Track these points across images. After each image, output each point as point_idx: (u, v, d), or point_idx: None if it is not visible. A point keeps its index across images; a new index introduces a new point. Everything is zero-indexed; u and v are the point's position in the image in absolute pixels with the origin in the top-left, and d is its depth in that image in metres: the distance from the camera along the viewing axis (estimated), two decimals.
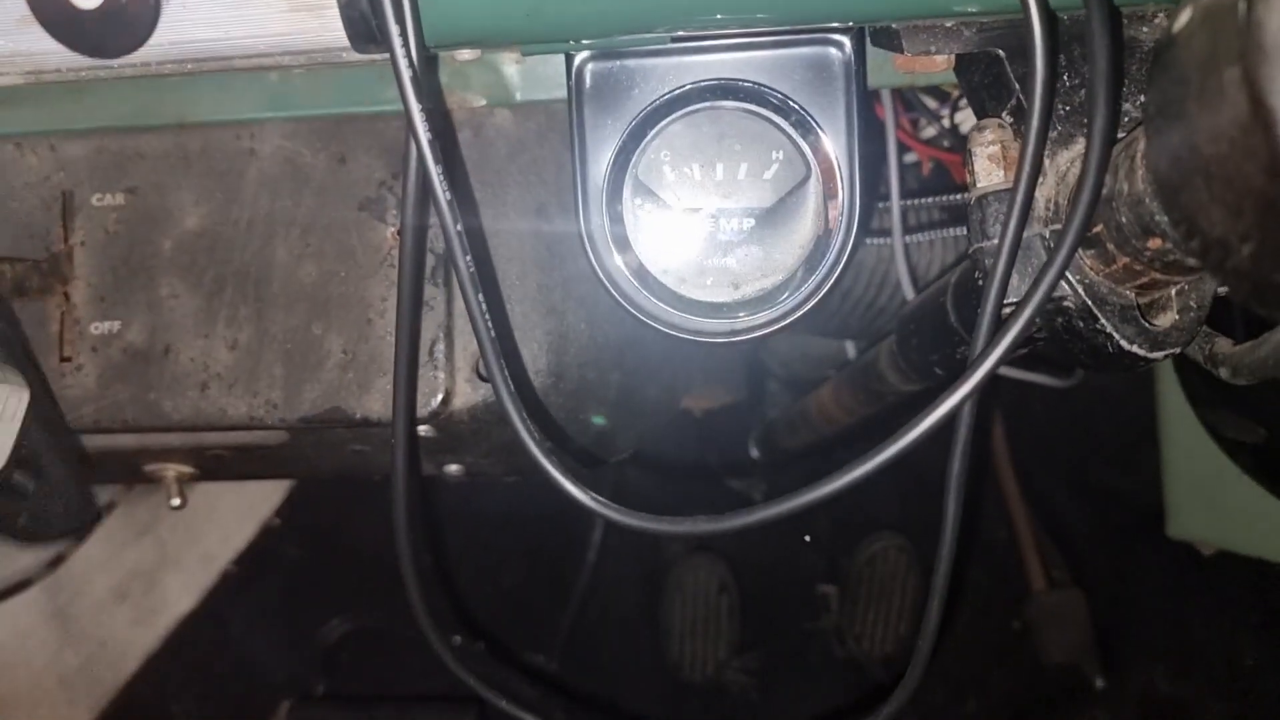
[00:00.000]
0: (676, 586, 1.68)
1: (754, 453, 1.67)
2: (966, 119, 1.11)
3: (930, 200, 1.05)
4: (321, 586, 1.69)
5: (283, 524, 1.71)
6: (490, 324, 0.52)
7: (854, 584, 1.65)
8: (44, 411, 0.61)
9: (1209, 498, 1.34)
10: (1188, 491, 1.37)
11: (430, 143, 0.50)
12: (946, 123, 1.11)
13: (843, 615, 1.67)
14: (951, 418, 0.51)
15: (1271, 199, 0.37)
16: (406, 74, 0.49)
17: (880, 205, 1.03)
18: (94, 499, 0.65)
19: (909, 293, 1.04)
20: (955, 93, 1.10)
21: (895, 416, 1.12)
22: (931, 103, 1.11)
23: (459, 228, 0.52)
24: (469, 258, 0.52)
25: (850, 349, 1.39)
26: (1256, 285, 0.42)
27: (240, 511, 1.68)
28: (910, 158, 1.16)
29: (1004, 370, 1.34)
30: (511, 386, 0.52)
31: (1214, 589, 1.49)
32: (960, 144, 1.12)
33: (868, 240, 1.07)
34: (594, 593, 1.70)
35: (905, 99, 1.10)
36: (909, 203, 1.04)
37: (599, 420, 0.83)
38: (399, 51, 0.50)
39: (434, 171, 0.50)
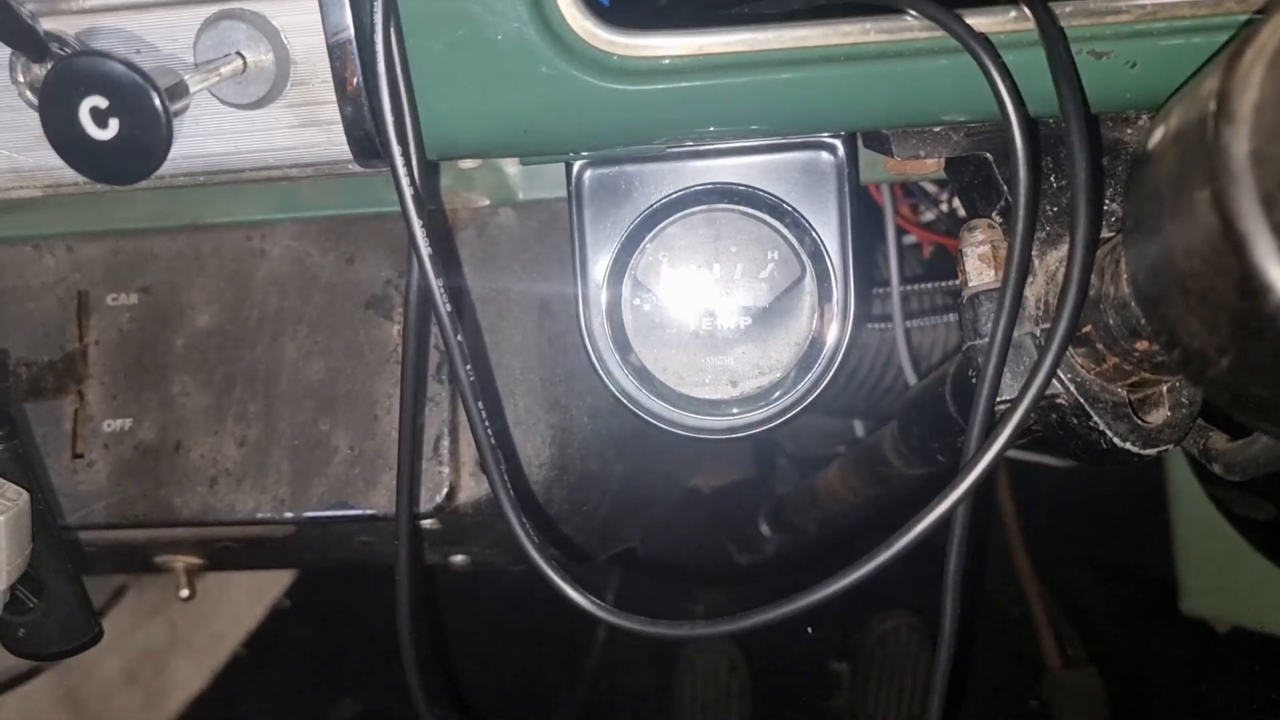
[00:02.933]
0: (687, 667, 1.66)
1: (764, 529, 1.66)
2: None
3: (931, 285, 1.06)
4: (331, 667, 1.68)
5: (293, 605, 1.71)
6: (490, 430, 0.54)
7: (865, 662, 1.64)
8: (50, 530, 0.62)
9: (1221, 574, 1.33)
10: (1200, 568, 1.36)
11: (430, 258, 0.51)
12: (946, 207, 1.12)
13: (854, 694, 1.65)
14: (946, 519, 0.51)
15: (1245, 317, 0.38)
16: (408, 191, 0.51)
17: (881, 290, 1.05)
18: (95, 620, 0.65)
19: (910, 377, 1.05)
20: None
21: (903, 495, 1.12)
22: (931, 188, 1.13)
23: (459, 338, 0.53)
24: (469, 367, 0.54)
25: (858, 427, 1.40)
26: (1235, 396, 0.43)
27: (250, 593, 1.68)
28: (911, 239, 1.17)
29: (1010, 453, 1.34)
30: (510, 491, 0.53)
31: (1230, 665, 1.47)
32: (958, 228, 1.13)
33: (870, 325, 1.08)
34: (604, 673, 1.69)
35: (905, 184, 1.11)
36: (910, 288, 1.05)
37: None
38: (400, 170, 0.51)
39: (435, 285, 0.52)
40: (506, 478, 0.53)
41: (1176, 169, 0.42)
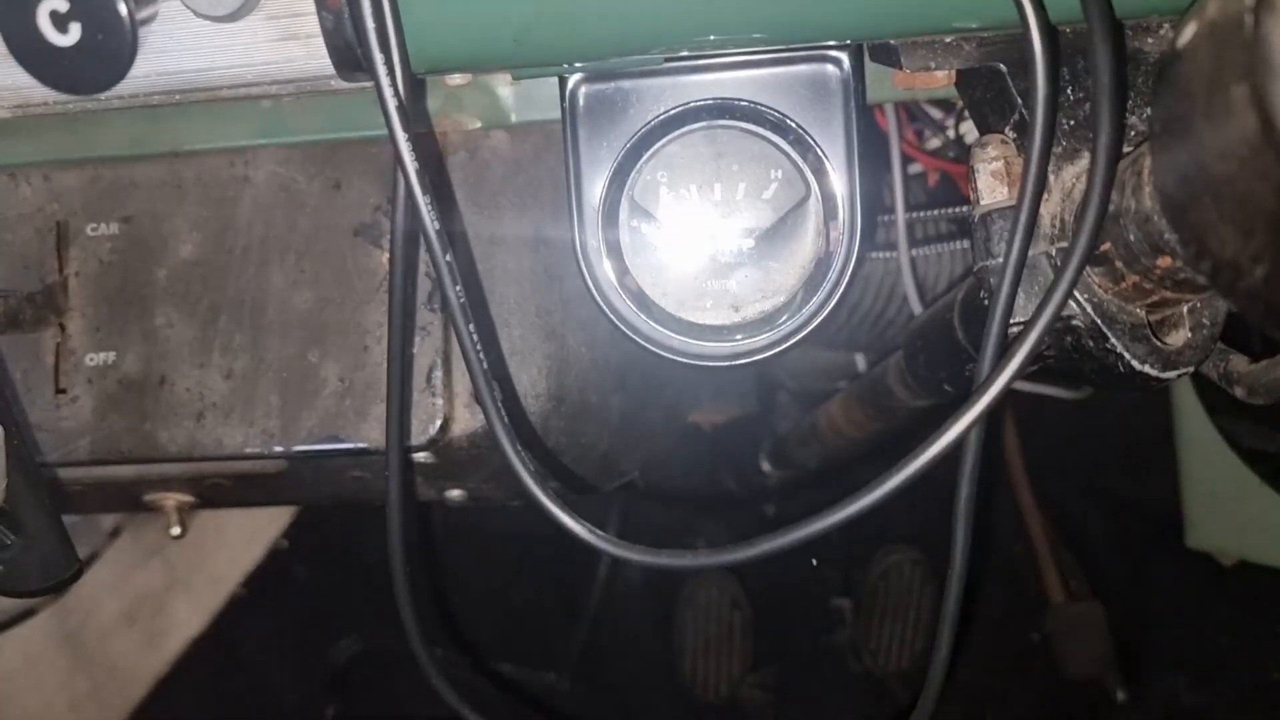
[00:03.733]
0: (688, 602, 1.66)
1: (765, 466, 1.65)
2: (972, 129, 1.10)
3: (937, 213, 1.03)
4: (331, 608, 1.68)
5: (291, 545, 1.70)
6: (483, 355, 0.51)
7: (869, 598, 1.63)
8: (24, 461, 0.60)
9: (1228, 508, 1.32)
10: (1206, 502, 1.35)
11: (418, 173, 0.49)
12: (952, 133, 1.09)
13: (858, 630, 1.65)
14: (958, 443, 0.49)
15: None
16: (392, 103, 0.48)
17: (886, 218, 1.02)
18: (75, 556, 0.63)
19: (916, 307, 1.03)
20: (960, 103, 1.09)
21: (906, 429, 1.10)
22: (936, 113, 1.10)
23: (448, 258, 0.51)
24: (459, 288, 0.51)
25: (860, 361, 1.38)
26: (1270, 307, 0.40)
27: (248, 533, 1.68)
28: (916, 168, 1.14)
29: (1016, 385, 1.32)
30: (506, 419, 0.51)
31: (1235, 599, 1.47)
32: (966, 154, 1.11)
33: (874, 254, 1.05)
34: (605, 610, 1.69)
35: (909, 110, 1.08)
36: (915, 215, 1.03)
37: None
38: (384, 81, 0.49)
39: (422, 202, 0.49)
40: (502, 406, 0.51)
41: (1211, 65, 0.39)
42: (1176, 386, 1.33)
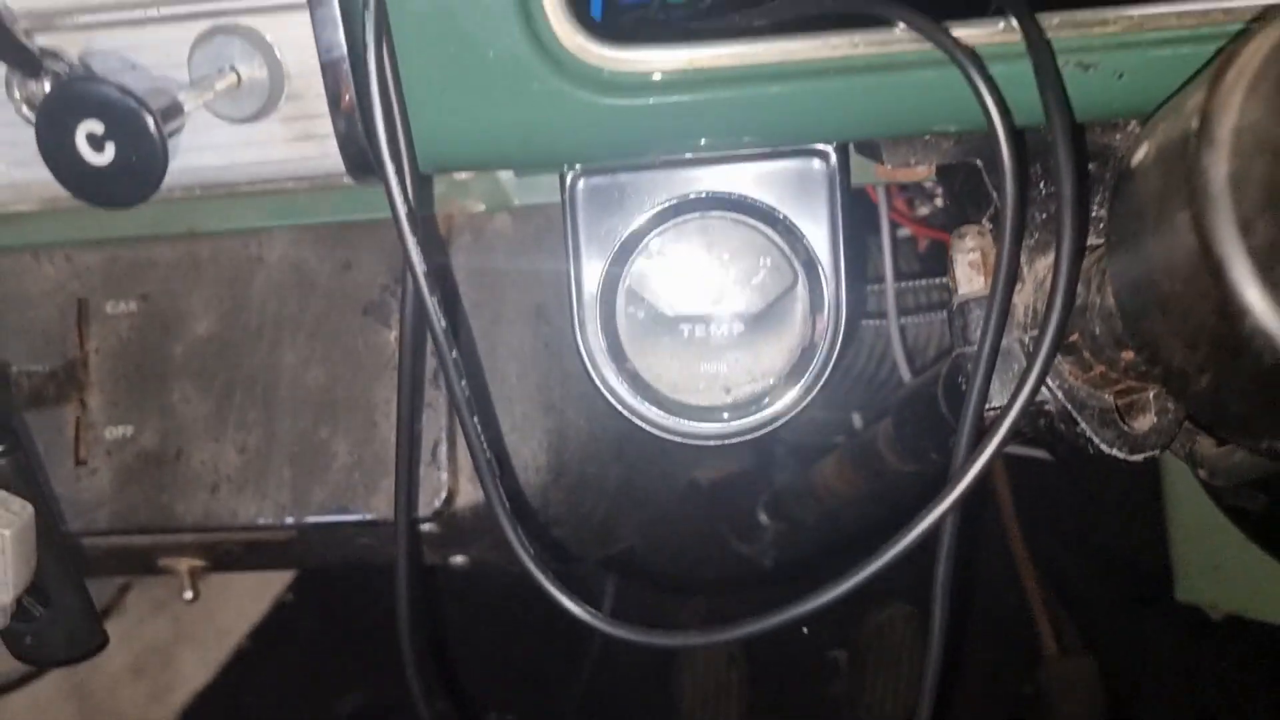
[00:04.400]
0: (687, 662, 1.68)
1: (763, 518, 1.67)
2: None
3: (925, 282, 1.06)
4: (336, 661, 1.69)
5: (296, 599, 1.72)
6: (486, 446, 0.54)
7: (863, 651, 1.65)
8: (51, 534, 0.63)
9: (1216, 562, 1.34)
10: (1194, 556, 1.37)
11: (425, 275, 0.52)
12: (940, 201, 1.13)
13: (853, 681, 1.66)
14: (935, 529, 0.52)
15: (1223, 337, 0.39)
16: (402, 210, 0.52)
17: (876, 287, 1.05)
18: (100, 627, 0.66)
19: (905, 374, 1.06)
20: None
21: (899, 486, 1.13)
22: (927, 182, 1.13)
23: (455, 355, 0.54)
24: (464, 382, 0.54)
25: (856, 419, 1.41)
26: (1216, 412, 0.43)
27: (254, 588, 1.70)
28: (905, 232, 1.17)
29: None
30: (508, 506, 0.54)
31: (1225, 653, 1.48)
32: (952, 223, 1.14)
33: (865, 321, 1.08)
34: (603, 668, 1.70)
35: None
36: (904, 285, 1.06)
37: None
38: (394, 187, 0.52)
39: (430, 302, 0.52)
40: (502, 490, 0.54)
41: (1159, 188, 0.43)
42: None
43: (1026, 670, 1.60)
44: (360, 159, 0.57)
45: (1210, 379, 0.41)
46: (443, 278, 0.73)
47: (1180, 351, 0.42)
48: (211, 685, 1.65)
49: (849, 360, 1.16)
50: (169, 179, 0.60)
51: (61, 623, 0.64)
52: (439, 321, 0.53)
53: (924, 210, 1.14)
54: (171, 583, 1.56)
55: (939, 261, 1.15)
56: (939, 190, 1.14)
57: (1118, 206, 0.47)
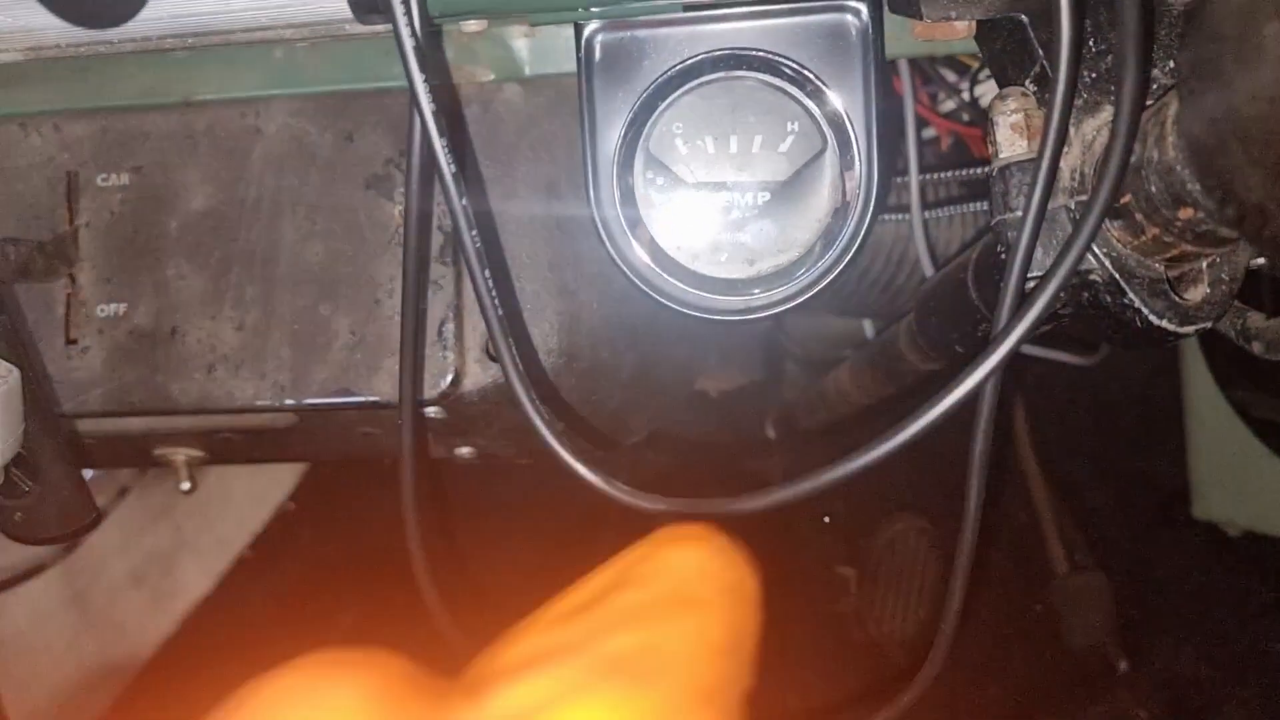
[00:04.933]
0: None
1: (771, 433, 1.65)
2: (985, 92, 1.09)
3: (949, 174, 1.03)
4: (338, 571, 1.68)
5: (298, 509, 1.71)
6: (498, 301, 0.51)
7: (873, 566, 1.63)
8: (42, 408, 0.60)
9: (1236, 478, 1.32)
10: (1214, 472, 1.35)
11: (434, 115, 0.48)
12: (966, 96, 1.08)
13: (862, 598, 1.65)
14: (974, 396, 0.49)
15: None
16: (409, 43, 0.48)
17: (898, 180, 1.01)
18: (93, 503, 0.63)
19: (928, 269, 1.02)
20: (975, 65, 1.08)
21: (914, 397, 1.10)
22: (950, 76, 1.09)
23: (464, 202, 0.50)
24: (475, 233, 0.51)
25: (868, 328, 1.38)
26: None
27: (255, 496, 1.68)
28: (928, 133, 1.13)
29: (1025, 348, 1.32)
30: (520, 365, 0.51)
31: (1240, 570, 1.47)
32: (980, 118, 1.10)
33: (885, 216, 1.04)
34: None
35: (923, 72, 1.07)
36: (927, 177, 1.02)
37: None
38: (401, 21, 0.48)
39: (439, 145, 0.49)
40: (514, 349, 0.51)
41: (1243, 3, 0.39)
42: (1186, 357, 1.32)
43: (1037, 589, 1.59)
44: None
45: None
46: (454, 132, 0.69)
47: (1260, 185, 0.39)
48: (213, 594, 1.64)
49: (865, 262, 1.13)
50: (159, 24, 0.56)
51: (52, 498, 0.61)
52: (449, 166, 0.49)
53: (949, 105, 1.09)
54: (170, 491, 1.54)
55: (962, 161, 1.11)
56: (963, 85, 1.10)
57: (1192, 35, 0.44)
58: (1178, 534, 1.49)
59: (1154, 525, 1.57)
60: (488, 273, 0.51)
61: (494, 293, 0.51)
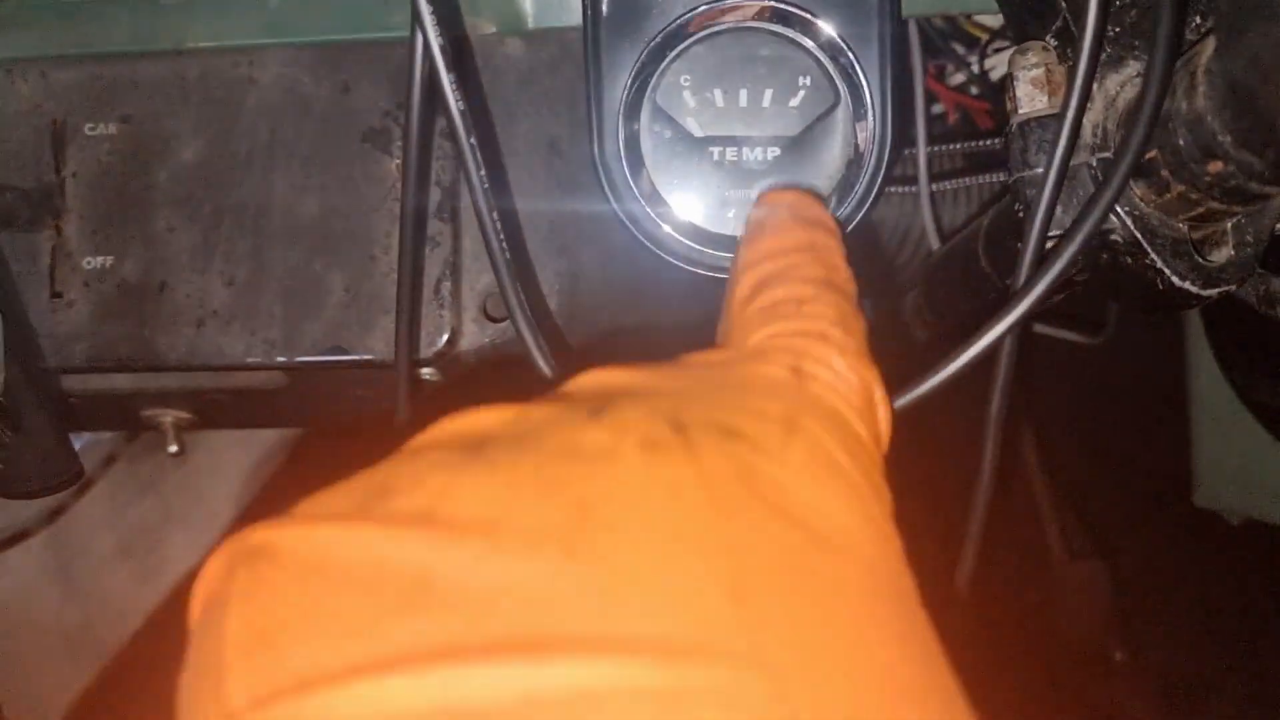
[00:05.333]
0: None
1: None
2: (994, 65, 1.07)
3: (957, 146, 1.01)
4: None
5: (288, 480, 1.68)
6: (505, 245, 0.49)
7: None
8: (24, 358, 0.58)
9: (1239, 465, 1.30)
10: (1217, 459, 1.33)
11: (442, 48, 0.46)
12: (975, 69, 1.06)
13: None
14: (994, 349, 0.47)
15: None
16: None
17: (905, 152, 1.00)
18: (75, 457, 0.61)
19: (934, 242, 1.00)
20: (984, 38, 1.06)
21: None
22: (959, 48, 1.07)
23: (473, 140, 0.48)
24: (483, 173, 0.49)
25: (868, 309, 1.36)
26: None
27: (244, 469, 1.66)
28: (935, 109, 1.12)
29: (1033, 329, 1.30)
30: (528, 310, 0.49)
31: (1240, 559, 1.45)
32: (988, 91, 1.08)
33: (892, 189, 1.03)
34: None
35: (932, 44, 1.06)
36: (935, 149, 1.00)
37: None
38: None
39: (446, 79, 0.47)
40: (523, 296, 0.48)
41: None
42: (1191, 341, 1.30)
43: (1033, 576, 1.58)
44: None
45: None
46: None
47: None
48: (199, 568, 1.62)
49: (870, 238, 1.11)
50: None
51: (34, 449, 0.59)
52: (456, 103, 0.47)
53: (958, 78, 1.08)
54: (158, 462, 1.52)
55: (969, 135, 1.10)
56: (972, 57, 1.08)
57: None
58: (1178, 522, 1.47)
59: (1154, 513, 1.55)
60: (495, 214, 0.49)
61: (502, 236, 0.49)
